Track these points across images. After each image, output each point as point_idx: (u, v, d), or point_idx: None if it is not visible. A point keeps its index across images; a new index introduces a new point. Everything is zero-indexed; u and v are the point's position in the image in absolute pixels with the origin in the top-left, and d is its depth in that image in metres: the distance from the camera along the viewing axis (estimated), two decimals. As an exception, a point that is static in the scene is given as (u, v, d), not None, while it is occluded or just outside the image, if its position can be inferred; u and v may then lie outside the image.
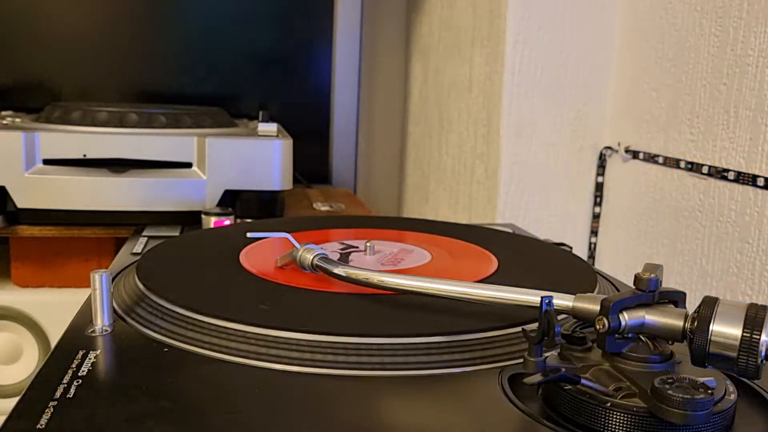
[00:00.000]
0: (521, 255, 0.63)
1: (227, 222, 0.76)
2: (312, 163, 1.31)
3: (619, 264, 0.98)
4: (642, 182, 0.92)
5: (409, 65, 1.41)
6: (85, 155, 0.82)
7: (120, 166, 0.83)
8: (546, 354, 0.35)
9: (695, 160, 0.82)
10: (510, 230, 0.77)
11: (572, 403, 0.34)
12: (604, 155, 0.99)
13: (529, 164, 0.98)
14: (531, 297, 0.42)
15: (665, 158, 0.87)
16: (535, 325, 0.35)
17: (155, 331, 0.44)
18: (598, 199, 1.01)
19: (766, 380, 0.38)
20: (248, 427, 0.34)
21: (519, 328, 0.42)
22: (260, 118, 0.95)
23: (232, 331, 0.42)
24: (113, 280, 0.52)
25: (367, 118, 1.44)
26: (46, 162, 0.82)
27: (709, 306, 0.34)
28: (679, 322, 0.35)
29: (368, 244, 0.59)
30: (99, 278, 0.44)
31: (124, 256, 0.64)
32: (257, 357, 0.40)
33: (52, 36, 1.20)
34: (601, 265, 1.01)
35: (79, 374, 0.38)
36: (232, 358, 0.41)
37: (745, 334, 0.33)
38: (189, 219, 0.82)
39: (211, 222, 0.77)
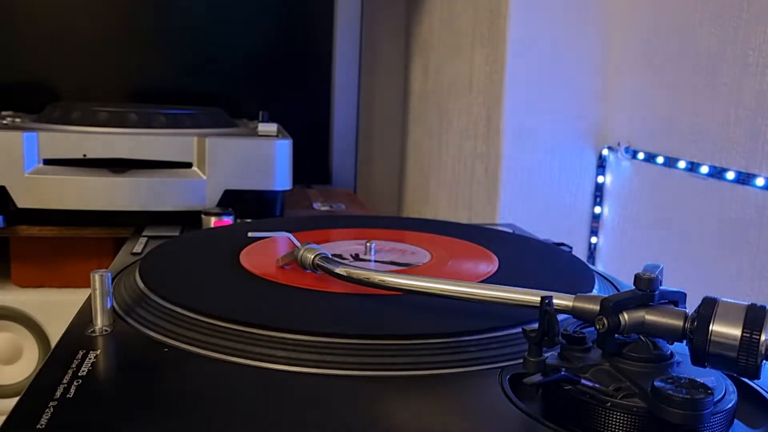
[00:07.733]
0: (521, 255, 0.63)
1: (227, 222, 0.76)
2: (312, 163, 1.31)
3: (619, 264, 0.98)
4: (642, 182, 0.92)
5: (409, 65, 1.42)
6: (85, 155, 0.82)
7: (120, 166, 0.83)
8: (546, 354, 0.35)
9: (695, 160, 0.82)
10: (510, 230, 0.77)
11: (572, 403, 0.34)
12: (604, 155, 0.99)
13: (529, 164, 0.98)
14: (531, 297, 0.42)
15: (665, 158, 0.87)
16: (535, 325, 0.35)
17: (155, 331, 0.44)
18: (598, 199, 1.01)
19: (766, 380, 0.38)
20: (248, 427, 0.34)
21: (519, 328, 0.42)
22: (260, 118, 0.95)
23: (232, 331, 0.42)
24: (113, 280, 0.51)
25: (367, 118, 1.44)
26: (46, 162, 0.82)
27: (709, 306, 0.34)
28: (679, 322, 0.35)
29: (368, 244, 0.59)
30: (99, 278, 0.44)
31: (124, 256, 0.64)
32: (257, 357, 0.40)
33: (52, 36, 1.19)
34: (601, 265, 1.01)
35: (79, 374, 0.38)
36: (232, 358, 0.41)
37: (745, 334, 0.33)
38: (189, 219, 0.82)
39: (211, 222, 0.77)
